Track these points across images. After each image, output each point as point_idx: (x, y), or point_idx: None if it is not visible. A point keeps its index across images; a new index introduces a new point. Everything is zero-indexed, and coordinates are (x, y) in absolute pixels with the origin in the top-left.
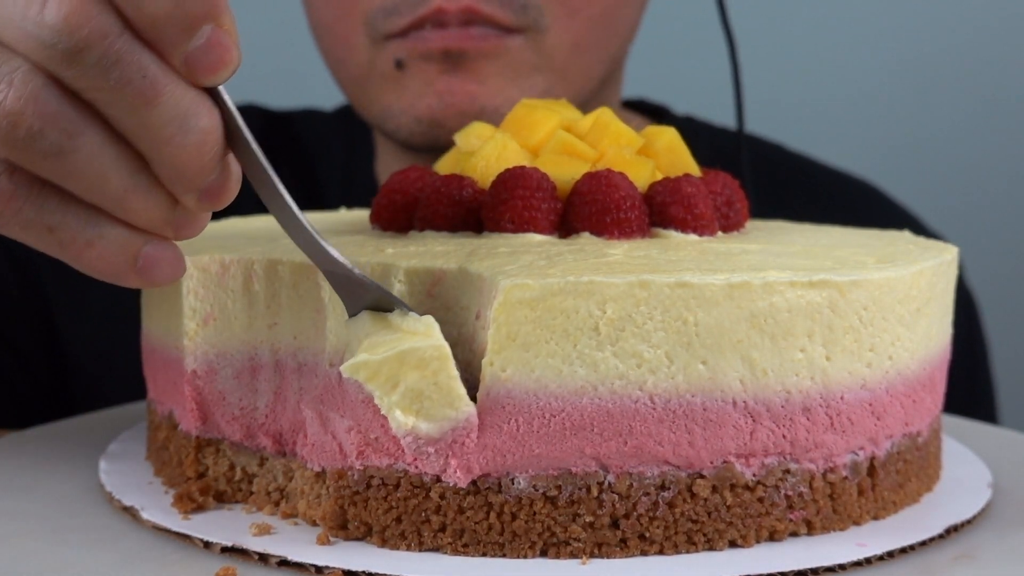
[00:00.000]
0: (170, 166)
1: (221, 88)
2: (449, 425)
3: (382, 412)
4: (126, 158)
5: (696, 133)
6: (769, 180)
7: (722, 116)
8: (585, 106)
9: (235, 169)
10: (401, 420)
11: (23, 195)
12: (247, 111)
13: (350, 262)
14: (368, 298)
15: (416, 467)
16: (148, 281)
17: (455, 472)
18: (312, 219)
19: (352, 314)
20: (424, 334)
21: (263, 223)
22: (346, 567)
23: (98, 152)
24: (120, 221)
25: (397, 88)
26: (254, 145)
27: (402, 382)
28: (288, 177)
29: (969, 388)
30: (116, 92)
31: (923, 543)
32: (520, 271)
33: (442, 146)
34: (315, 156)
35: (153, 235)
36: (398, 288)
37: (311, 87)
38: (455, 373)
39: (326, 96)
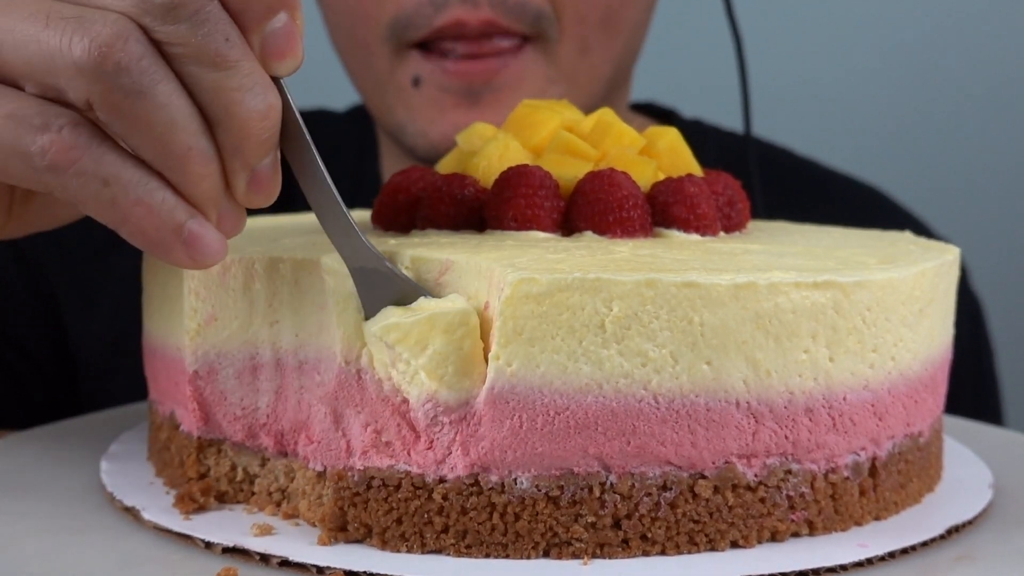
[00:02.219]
0: (235, 130)
1: (283, 82)
2: (466, 395)
3: (398, 411)
4: (196, 116)
5: (705, 136)
6: (777, 184)
7: (730, 120)
8: (593, 110)
9: (279, 171)
10: (426, 384)
11: (84, 145)
12: None
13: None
14: (392, 294)
15: (418, 465)
16: (192, 255)
17: (456, 454)
18: (312, 217)
19: (371, 314)
20: (452, 304)
21: (263, 223)
22: (347, 568)
23: (173, 101)
24: (172, 189)
25: (409, 107)
26: (306, 134)
27: (430, 345)
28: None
29: (975, 392)
30: (201, 49)
31: (924, 544)
32: (529, 264)
33: None
34: (326, 156)
35: (198, 213)
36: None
37: (321, 88)
38: (480, 342)
39: (337, 97)
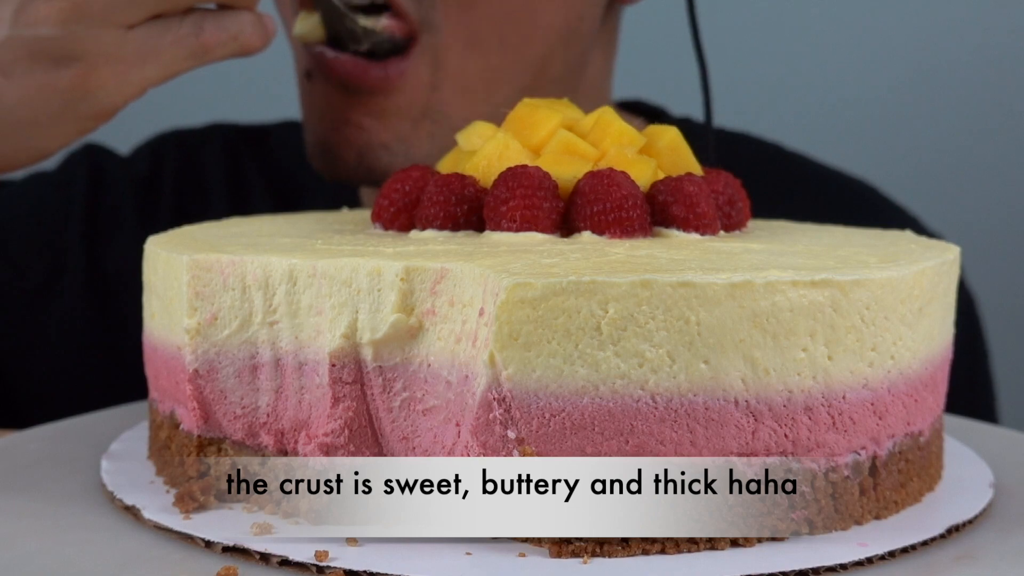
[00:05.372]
0: None
1: None
2: None
3: None
4: None
5: (694, 134)
6: (767, 179)
7: (719, 117)
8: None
9: None
10: None
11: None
12: (213, 131)
13: None
14: None
15: None
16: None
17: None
18: (313, 217)
19: None
20: None
21: (263, 223)
22: (348, 567)
23: None
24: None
25: (307, 101)
26: None
27: None
28: (262, 191)
29: (969, 389)
30: None
31: (925, 543)
32: (523, 269)
33: (337, 180)
34: (296, 168)
35: None
36: (400, 286)
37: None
38: None
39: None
